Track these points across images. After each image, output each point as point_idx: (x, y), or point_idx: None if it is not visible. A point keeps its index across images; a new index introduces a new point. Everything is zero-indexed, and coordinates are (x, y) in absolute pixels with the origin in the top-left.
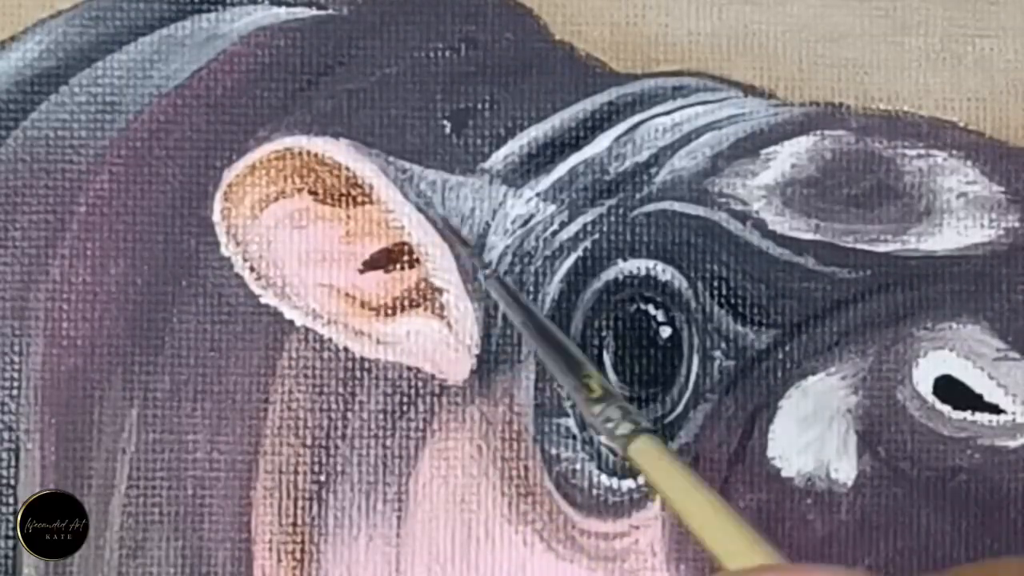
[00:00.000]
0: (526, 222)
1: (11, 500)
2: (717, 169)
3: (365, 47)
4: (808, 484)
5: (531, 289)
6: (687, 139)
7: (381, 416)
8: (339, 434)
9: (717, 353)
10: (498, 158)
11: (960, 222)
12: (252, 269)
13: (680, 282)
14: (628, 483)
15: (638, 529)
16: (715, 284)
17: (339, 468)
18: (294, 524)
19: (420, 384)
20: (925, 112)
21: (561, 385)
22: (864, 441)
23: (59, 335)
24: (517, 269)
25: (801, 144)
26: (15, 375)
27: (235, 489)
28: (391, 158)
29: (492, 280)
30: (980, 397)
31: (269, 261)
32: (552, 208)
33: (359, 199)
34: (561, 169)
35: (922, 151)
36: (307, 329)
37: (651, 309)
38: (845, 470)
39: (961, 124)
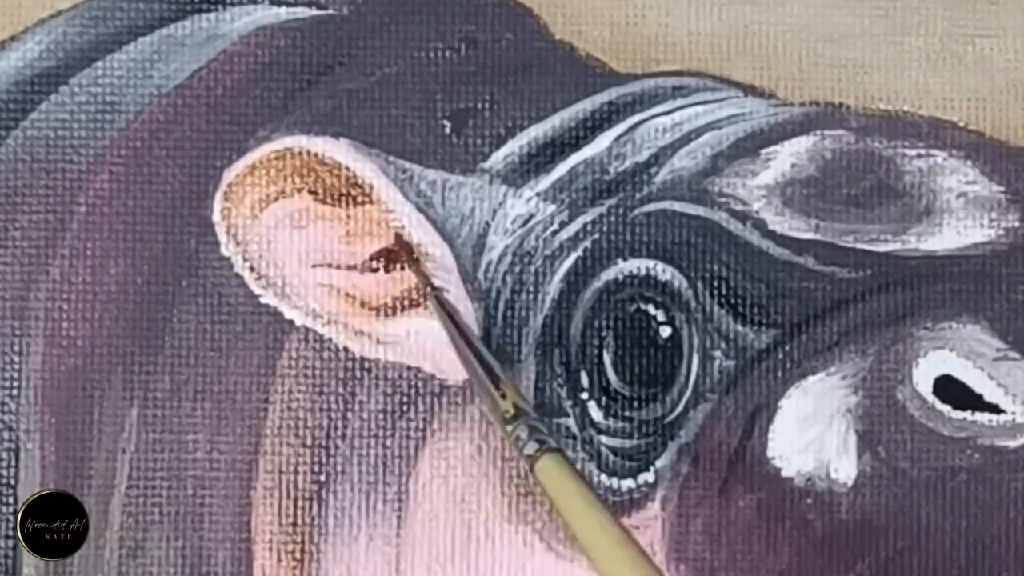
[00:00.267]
0: (526, 222)
1: (11, 500)
2: (717, 169)
3: (365, 47)
4: (808, 484)
5: (531, 289)
6: (687, 139)
7: (381, 416)
8: (339, 434)
9: (717, 353)
10: (498, 158)
11: (960, 222)
12: (252, 269)
13: (680, 282)
14: (628, 483)
15: (638, 529)
16: (715, 284)
17: (339, 468)
18: (294, 524)
19: (420, 384)
20: (925, 112)
21: (482, 403)
22: (864, 441)
23: (59, 335)
24: (517, 269)
25: (801, 144)
26: (15, 375)
27: (235, 489)
28: (391, 158)
29: (432, 296)
30: (980, 397)
31: (269, 261)
32: (552, 208)
33: (359, 199)
34: (561, 169)
35: (922, 151)
36: (307, 329)
37: (651, 309)
38: (845, 470)
39: (961, 124)
